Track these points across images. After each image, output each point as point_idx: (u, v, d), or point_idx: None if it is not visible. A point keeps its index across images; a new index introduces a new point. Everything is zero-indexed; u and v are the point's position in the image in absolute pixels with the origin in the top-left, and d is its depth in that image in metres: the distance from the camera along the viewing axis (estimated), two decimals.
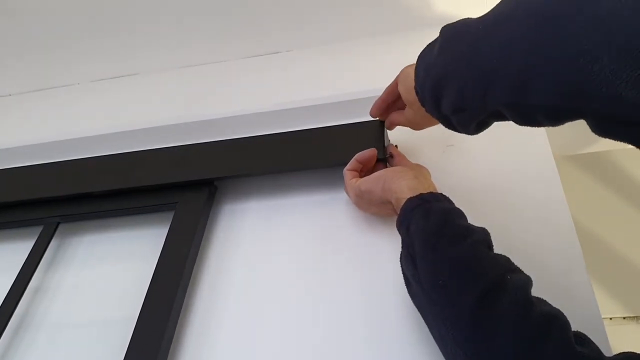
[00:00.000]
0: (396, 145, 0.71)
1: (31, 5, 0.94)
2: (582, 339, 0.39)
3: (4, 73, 1.08)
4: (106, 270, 0.75)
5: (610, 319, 1.26)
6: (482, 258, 0.45)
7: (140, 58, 1.04)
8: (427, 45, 0.51)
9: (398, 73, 0.59)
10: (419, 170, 0.61)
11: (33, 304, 0.73)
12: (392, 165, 0.66)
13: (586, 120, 0.35)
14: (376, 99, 0.65)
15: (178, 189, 0.75)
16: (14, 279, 0.72)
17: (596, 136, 0.36)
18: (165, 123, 0.86)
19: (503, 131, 0.47)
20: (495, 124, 0.47)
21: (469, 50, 0.43)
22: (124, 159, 0.81)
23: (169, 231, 0.70)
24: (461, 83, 0.44)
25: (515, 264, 0.45)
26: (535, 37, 0.36)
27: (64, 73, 1.07)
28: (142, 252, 0.74)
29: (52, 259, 0.78)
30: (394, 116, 0.65)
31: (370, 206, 0.63)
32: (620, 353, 0.37)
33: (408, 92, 0.54)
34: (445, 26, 0.48)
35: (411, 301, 0.52)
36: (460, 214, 0.51)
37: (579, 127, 0.39)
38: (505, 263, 0.45)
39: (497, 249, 0.48)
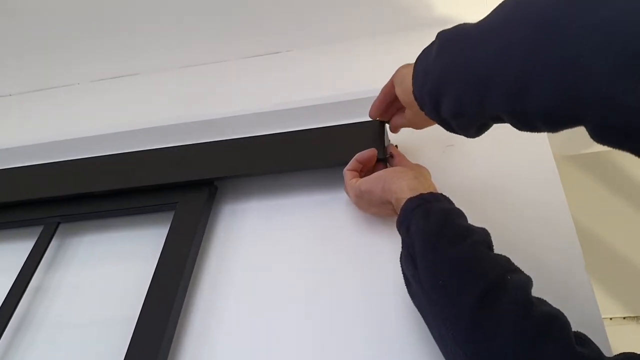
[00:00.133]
0: (396, 145, 0.71)
1: (31, 5, 0.94)
2: (582, 339, 0.39)
3: (4, 73, 1.08)
4: (106, 270, 0.75)
5: (611, 319, 1.26)
6: (482, 258, 0.45)
7: (140, 58, 1.04)
8: (424, 50, 0.51)
9: (393, 73, 0.59)
10: (419, 171, 0.61)
11: (33, 304, 0.73)
12: (392, 166, 0.66)
13: (585, 127, 0.35)
14: (374, 99, 0.65)
15: (178, 189, 0.75)
16: (14, 278, 0.72)
17: None
18: (165, 123, 0.86)
19: (503, 131, 0.47)
20: (496, 124, 0.47)
21: (465, 57, 0.43)
22: (125, 159, 0.81)
23: (169, 231, 0.70)
24: (459, 89, 0.44)
25: (515, 264, 0.45)
26: (531, 44, 0.36)
27: (64, 73, 1.07)
28: (143, 252, 0.74)
29: (53, 259, 0.78)
30: (396, 119, 0.65)
31: (370, 206, 0.63)
32: (621, 353, 0.37)
33: (406, 95, 0.54)
34: (441, 31, 0.48)
35: (411, 301, 0.52)
36: (460, 214, 0.51)
37: (579, 127, 0.39)
38: (505, 263, 0.45)
39: (497, 249, 0.48)
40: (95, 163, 0.82)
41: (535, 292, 0.42)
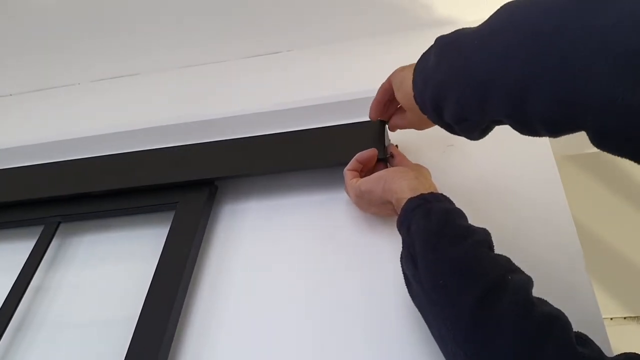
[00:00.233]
0: (396, 145, 0.71)
1: (31, 5, 0.94)
2: (583, 340, 0.39)
3: (4, 73, 1.08)
4: (107, 270, 0.75)
5: (611, 319, 1.26)
6: (482, 258, 0.45)
7: (141, 58, 1.04)
8: (423, 55, 0.51)
9: (390, 74, 0.59)
10: (420, 171, 0.61)
11: (34, 304, 0.73)
12: (392, 165, 0.66)
13: (586, 132, 0.35)
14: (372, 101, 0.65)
15: (178, 189, 0.75)
16: (15, 278, 0.72)
17: None
18: (165, 123, 0.86)
19: (504, 132, 0.47)
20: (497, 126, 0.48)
21: (465, 61, 0.43)
22: (125, 159, 0.81)
23: (169, 231, 0.70)
24: (459, 93, 0.44)
25: (516, 264, 0.45)
26: (532, 47, 0.36)
27: (64, 73, 1.07)
28: (143, 252, 0.74)
29: (53, 258, 0.78)
30: (396, 120, 0.65)
31: (371, 206, 0.63)
32: (622, 354, 0.37)
33: (407, 99, 0.54)
34: (440, 36, 0.49)
35: (411, 301, 0.52)
36: (461, 214, 0.51)
37: None
38: (505, 263, 0.45)
39: (498, 249, 0.48)
40: (96, 163, 0.82)
41: (536, 292, 0.42)
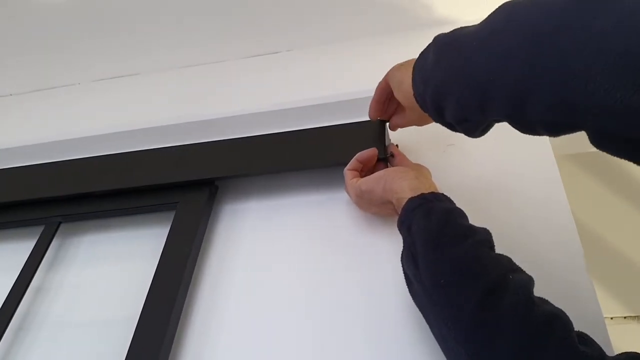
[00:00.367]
0: (397, 145, 0.70)
1: (31, 5, 0.94)
2: (584, 339, 0.39)
3: (4, 73, 1.08)
4: (107, 270, 0.75)
5: (611, 318, 1.26)
6: (483, 258, 0.45)
7: (140, 58, 1.04)
8: (421, 54, 0.51)
9: (386, 73, 0.59)
10: (420, 170, 0.61)
11: (34, 304, 0.73)
12: (392, 165, 0.66)
13: (586, 133, 0.36)
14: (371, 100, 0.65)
15: (179, 189, 0.75)
16: (15, 278, 0.72)
17: None
18: (165, 123, 0.86)
19: (504, 131, 0.47)
20: (496, 123, 0.48)
21: (465, 62, 0.43)
22: (125, 159, 0.81)
23: (170, 231, 0.70)
24: (459, 94, 0.44)
25: (517, 263, 0.45)
26: (532, 47, 0.36)
27: (64, 73, 1.07)
28: (143, 252, 0.74)
29: (54, 258, 0.78)
30: (396, 119, 0.65)
31: (371, 206, 0.63)
32: (622, 353, 0.37)
33: (407, 97, 0.54)
34: (439, 35, 0.48)
35: (411, 301, 0.52)
36: (461, 214, 0.51)
37: None
38: (506, 263, 0.45)
39: (498, 248, 0.48)
40: (96, 163, 0.82)
41: (536, 291, 0.42)
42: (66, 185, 0.79)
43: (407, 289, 0.52)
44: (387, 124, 0.68)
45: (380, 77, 0.62)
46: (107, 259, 0.76)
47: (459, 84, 0.44)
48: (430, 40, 0.50)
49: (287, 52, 0.99)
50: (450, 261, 0.45)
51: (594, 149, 0.37)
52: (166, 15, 0.95)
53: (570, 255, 0.57)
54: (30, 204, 0.80)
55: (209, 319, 0.63)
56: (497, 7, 0.41)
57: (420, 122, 0.62)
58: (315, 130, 0.75)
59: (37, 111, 1.05)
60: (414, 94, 0.52)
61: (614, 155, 0.35)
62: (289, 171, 0.75)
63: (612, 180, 1.40)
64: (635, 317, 1.26)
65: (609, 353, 0.38)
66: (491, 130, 0.50)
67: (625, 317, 1.26)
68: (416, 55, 0.52)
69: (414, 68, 0.52)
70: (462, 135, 0.51)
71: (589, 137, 0.36)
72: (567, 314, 0.40)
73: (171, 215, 0.73)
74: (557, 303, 0.41)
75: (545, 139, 0.69)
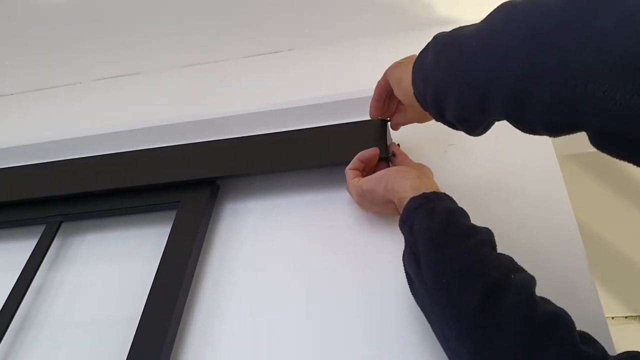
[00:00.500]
0: (398, 144, 0.70)
1: (31, 5, 0.94)
2: (586, 339, 0.39)
3: (4, 73, 1.08)
4: (109, 270, 0.75)
5: (613, 318, 1.26)
6: (485, 257, 0.45)
7: (140, 58, 1.04)
8: (421, 52, 0.51)
9: (385, 71, 0.59)
10: (422, 170, 0.61)
11: (36, 303, 0.73)
12: (394, 165, 0.66)
13: (586, 133, 0.36)
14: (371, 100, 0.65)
15: (180, 188, 0.75)
16: (16, 277, 0.72)
17: None
18: (165, 122, 0.86)
19: (505, 130, 0.47)
20: (498, 123, 0.48)
21: (466, 62, 0.43)
22: (126, 159, 0.81)
23: (171, 230, 0.70)
24: (459, 95, 0.44)
25: (519, 263, 0.45)
26: (532, 48, 0.36)
27: (64, 73, 1.07)
28: (145, 252, 0.74)
29: (55, 258, 0.78)
30: (397, 118, 0.65)
31: (373, 205, 0.63)
32: (624, 352, 0.37)
33: (407, 96, 0.54)
34: (438, 34, 0.48)
35: (412, 301, 0.52)
36: (463, 214, 0.51)
37: None
38: (508, 263, 0.45)
39: (500, 248, 0.48)
40: (97, 162, 0.82)
41: (538, 291, 0.42)
42: (67, 185, 0.79)
43: (408, 289, 0.52)
44: (389, 123, 0.68)
45: (379, 77, 0.62)
46: (109, 259, 0.76)
47: (459, 84, 0.44)
48: (429, 40, 0.50)
49: (287, 52, 0.99)
50: (452, 261, 0.45)
51: (596, 149, 0.37)
52: (166, 15, 0.95)
53: (572, 255, 0.57)
54: (31, 203, 0.80)
55: (211, 319, 0.63)
56: (496, 7, 0.41)
57: (421, 120, 0.62)
58: (317, 130, 0.75)
59: (38, 111, 1.05)
60: (414, 92, 0.52)
61: (614, 157, 0.35)
62: (291, 171, 0.75)
63: (614, 181, 1.40)
64: (636, 316, 1.26)
65: (611, 353, 0.38)
66: (492, 130, 0.50)
67: (626, 317, 1.26)
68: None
69: (413, 66, 0.52)
70: (463, 134, 0.51)
71: (589, 138, 0.36)
72: (569, 313, 0.40)
73: (172, 215, 0.73)
74: (559, 303, 0.42)
75: (546, 139, 0.69)
